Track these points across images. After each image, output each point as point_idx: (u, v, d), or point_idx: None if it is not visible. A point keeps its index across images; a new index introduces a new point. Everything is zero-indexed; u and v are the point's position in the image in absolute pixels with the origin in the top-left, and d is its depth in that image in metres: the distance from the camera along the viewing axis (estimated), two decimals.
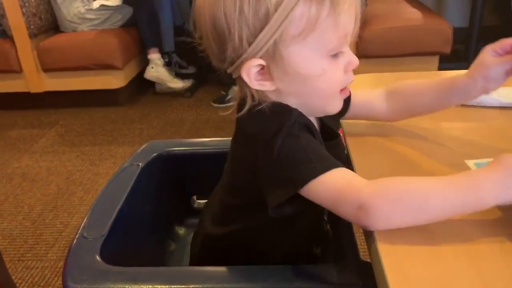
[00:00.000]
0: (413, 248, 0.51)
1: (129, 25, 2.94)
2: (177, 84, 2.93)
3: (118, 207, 0.74)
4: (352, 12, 0.58)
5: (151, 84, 3.00)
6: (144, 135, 2.51)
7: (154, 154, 0.90)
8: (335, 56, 0.59)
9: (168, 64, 2.97)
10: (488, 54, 0.66)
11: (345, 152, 0.73)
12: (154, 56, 2.91)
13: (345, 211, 0.54)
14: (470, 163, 0.64)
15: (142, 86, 3.03)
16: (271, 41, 0.56)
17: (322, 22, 0.55)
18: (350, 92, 0.73)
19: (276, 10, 0.54)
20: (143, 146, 0.94)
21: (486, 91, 0.68)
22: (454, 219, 0.54)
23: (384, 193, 0.53)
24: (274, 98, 0.62)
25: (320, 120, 0.69)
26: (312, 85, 0.60)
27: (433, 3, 3.26)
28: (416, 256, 0.50)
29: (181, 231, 0.96)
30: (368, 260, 0.56)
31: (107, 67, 2.74)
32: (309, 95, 0.62)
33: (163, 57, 2.93)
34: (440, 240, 0.52)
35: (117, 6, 2.88)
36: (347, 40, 0.59)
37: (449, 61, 2.77)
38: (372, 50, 2.58)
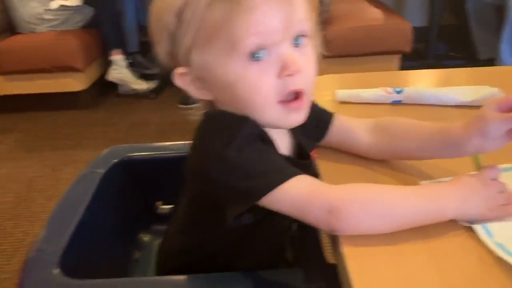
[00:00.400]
0: (376, 249, 0.52)
1: (90, 26, 2.87)
2: (141, 85, 2.88)
3: (78, 216, 0.72)
4: (269, 9, 0.52)
5: (114, 86, 2.93)
6: (108, 138, 2.45)
7: (115, 160, 0.88)
8: (255, 57, 0.54)
9: (131, 65, 2.92)
10: (491, 109, 0.57)
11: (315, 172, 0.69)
12: (117, 57, 2.85)
13: (315, 217, 0.52)
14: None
15: (105, 88, 2.96)
16: (185, 49, 0.55)
17: (230, 23, 0.52)
18: (332, 115, 0.70)
19: (183, 19, 0.54)
20: (104, 152, 0.92)
21: (481, 150, 0.58)
22: None
23: (353, 197, 0.52)
24: (221, 107, 0.60)
25: (295, 137, 0.66)
26: (235, 93, 0.56)
27: (393, 3, 3.33)
28: (380, 257, 0.51)
29: (146, 238, 0.94)
30: (334, 262, 0.56)
31: (68, 69, 2.67)
32: (240, 105, 0.57)
33: (126, 58, 2.88)
34: (403, 240, 0.53)
35: (77, 6, 2.81)
36: (274, 39, 0.53)
37: (410, 60, 2.84)
38: (336, 49, 2.61)
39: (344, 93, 0.93)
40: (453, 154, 0.62)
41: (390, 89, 0.90)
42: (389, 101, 0.89)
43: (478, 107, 0.85)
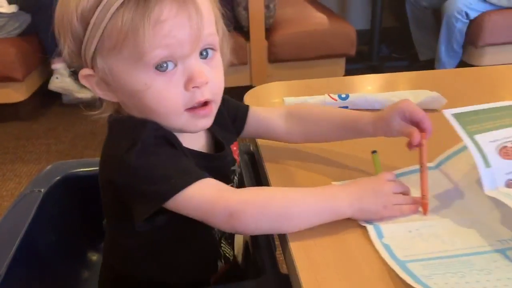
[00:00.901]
0: (329, 259, 0.52)
1: (28, 33, 2.73)
2: (86, 94, 2.77)
3: (17, 242, 0.67)
4: (179, 22, 0.53)
5: (57, 95, 2.81)
6: (52, 151, 2.35)
7: (58, 178, 0.83)
8: (162, 69, 0.54)
9: (74, 74, 2.81)
10: (397, 117, 0.65)
11: (236, 165, 0.71)
12: (59, 66, 2.73)
13: (218, 220, 0.55)
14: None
15: (47, 98, 2.83)
16: (90, 53, 0.55)
17: (136, 33, 0.52)
18: (247, 108, 0.74)
19: (87, 25, 0.54)
20: (45, 169, 0.87)
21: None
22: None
23: (252, 200, 0.55)
24: (127, 110, 0.60)
25: (211, 133, 0.68)
26: (141, 101, 0.56)
27: (337, 7, 3.42)
28: (332, 268, 0.51)
29: (94, 257, 0.90)
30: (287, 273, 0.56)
31: (6, 79, 2.52)
32: (146, 112, 0.57)
33: (68, 66, 2.76)
34: (354, 248, 0.54)
35: (12, 13, 2.66)
36: (181, 52, 0.54)
37: (354, 62, 2.92)
38: (283, 54, 2.65)
39: (292, 101, 0.94)
40: (360, 137, 0.72)
41: (335, 96, 0.92)
42: (336, 107, 0.91)
43: None
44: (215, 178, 0.62)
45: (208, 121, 0.60)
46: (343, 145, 0.76)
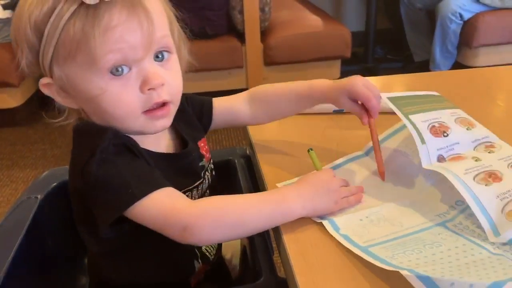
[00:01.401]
0: (326, 262, 0.53)
1: None
2: None
3: (14, 249, 0.67)
4: (132, 26, 0.54)
5: (53, 100, 2.80)
6: (48, 156, 2.34)
7: (54, 184, 0.83)
8: (117, 73, 0.56)
9: None
10: (344, 95, 0.70)
11: (205, 160, 0.73)
12: None
13: (172, 233, 0.56)
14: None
15: (42, 103, 2.81)
16: (47, 62, 0.56)
17: (87, 41, 0.53)
18: (211, 102, 0.76)
19: (41, 37, 0.55)
20: (42, 175, 0.87)
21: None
22: None
23: (204, 213, 0.55)
24: (89, 116, 0.62)
25: (175, 130, 0.69)
26: (98, 106, 0.57)
27: (331, 9, 3.43)
28: (329, 271, 0.51)
29: None
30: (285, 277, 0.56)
31: (1, 84, 2.52)
32: (105, 116, 0.58)
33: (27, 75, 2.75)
34: (351, 250, 0.54)
35: (7, 18, 2.66)
36: (135, 56, 0.55)
37: (349, 64, 2.93)
38: (278, 57, 2.65)
39: None
40: (318, 104, 0.77)
41: None
42: (331, 110, 0.91)
43: None
44: (183, 177, 0.65)
45: (166, 122, 0.61)
46: (339, 145, 0.76)
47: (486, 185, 0.58)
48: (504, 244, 0.52)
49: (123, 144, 0.59)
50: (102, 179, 0.56)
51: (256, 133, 0.85)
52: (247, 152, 0.90)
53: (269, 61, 2.67)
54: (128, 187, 0.55)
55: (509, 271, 0.47)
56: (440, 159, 0.64)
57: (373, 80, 1.19)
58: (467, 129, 0.68)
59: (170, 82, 0.59)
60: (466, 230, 0.56)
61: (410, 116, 0.67)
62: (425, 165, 0.63)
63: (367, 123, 0.69)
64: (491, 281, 0.44)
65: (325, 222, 0.59)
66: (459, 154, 0.65)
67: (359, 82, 0.69)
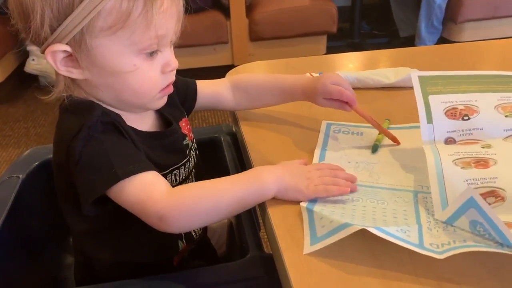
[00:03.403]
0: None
1: (2, 13, 2.64)
2: None
3: None
4: (172, 13, 0.57)
5: (34, 77, 2.74)
6: (31, 134, 2.30)
7: (36, 163, 0.82)
8: (150, 55, 0.58)
9: None
10: (320, 97, 0.74)
11: (188, 139, 0.73)
12: (35, 47, 2.65)
13: (149, 221, 0.56)
14: None
15: (23, 80, 2.76)
16: (77, 29, 0.54)
17: (133, 20, 0.53)
18: (196, 85, 0.78)
19: (82, 0, 0.52)
20: (23, 154, 0.85)
21: None
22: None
23: (180, 203, 0.55)
24: (86, 88, 0.60)
25: (158, 110, 0.69)
26: (123, 81, 0.58)
27: None
28: (316, 254, 0.51)
29: None
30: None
31: None
32: (121, 91, 0.60)
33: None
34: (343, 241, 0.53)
35: None
36: (166, 41, 0.59)
37: (335, 40, 2.91)
38: (264, 32, 2.62)
39: None
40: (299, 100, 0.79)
41: (316, 74, 0.91)
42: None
43: (400, 88, 0.90)
44: (170, 154, 0.65)
45: (166, 99, 0.65)
46: (327, 120, 0.76)
47: (462, 168, 0.58)
48: (442, 222, 0.53)
49: (111, 123, 0.58)
50: (86, 156, 0.55)
51: (241, 110, 0.84)
52: (233, 129, 0.90)
53: (255, 36, 2.64)
54: (112, 167, 0.54)
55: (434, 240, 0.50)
56: (449, 141, 0.64)
57: (358, 55, 1.19)
58: (508, 115, 0.65)
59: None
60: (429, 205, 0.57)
61: (430, 96, 0.66)
62: (424, 141, 0.64)
63: (351, 110, 0.74)
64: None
65: (303, 204, 0.58)
66: (475, 139, 0.63)
67: (327, 82, 0.73)
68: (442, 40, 2.85)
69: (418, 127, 0.65)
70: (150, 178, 0.57)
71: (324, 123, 0.79)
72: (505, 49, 1.15)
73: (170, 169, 0.66)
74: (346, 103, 0.73)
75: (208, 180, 0.58)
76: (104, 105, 0.60)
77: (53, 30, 0.54)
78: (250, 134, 0.77)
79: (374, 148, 0.71)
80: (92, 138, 0.56)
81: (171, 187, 0.58)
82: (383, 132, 0.73)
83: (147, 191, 0.55)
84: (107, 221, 0.63)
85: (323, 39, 2.76)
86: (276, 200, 0.59)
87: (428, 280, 0.47)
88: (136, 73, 0.58)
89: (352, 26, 3.14)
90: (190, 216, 0.56)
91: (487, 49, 1.17)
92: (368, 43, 3.09)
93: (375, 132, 0.75)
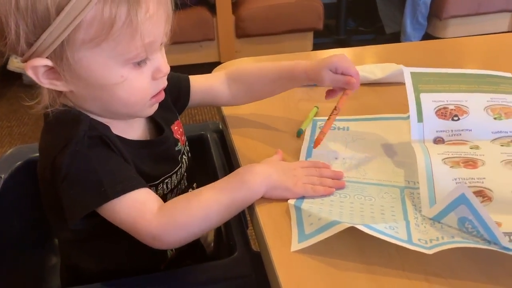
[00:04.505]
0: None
1: None
2: None
3: None
4: (160, 17, 0.54)
5: (17, 75, 2.69)
6: (15, 133, 2.26)
7: (19, 163, 0.80)
8: (139, 64, 0.55)
9: None
10: (328, 70, 0.69)
11: (181, 144, 0.71)
12: None
13: (141, 240, 0.55)
14: None
15: (6, 79, 2.71)
16: (56, 43, 0.50)
17: (117, 30, 0.50)
18: (189, 81, 0.74)
19: (58, 12, 0.48)
20: (6, 153, 0.83)
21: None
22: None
23: (172, 221, 0.54)
24: (72, 99, 0.58)
25: (150, 116, 0.65)
26: (111, 93, 0.55)
27: None
28: (304, 251, 0.51)
29: None
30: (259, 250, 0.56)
31: None
32: (110, 103, 0.57)
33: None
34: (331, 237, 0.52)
35: None
36: (155, 47, 0.55)
37: (322, 36, 2.92)
38: (250, 29, 2.61)
39: None
40: (297, 85, 0.77)
41: None
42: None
43: (386, 84, 0.90)
44: (162, 163, 0.63)
45: (157, 106, 0.62)
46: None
47: (451, 167, 0.58)
48: (430, 218, 0.54)
49: (99, 137, 0.56)
50: (74, 173, 0.53)
51: (228, 107, 0.83)
52: (220, 126, 0.89)
53: (241, 33, 2.63)
54: (101, 185, 0.53)
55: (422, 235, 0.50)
56: (438, 141, 0.64)
57: (345, 52, 1.19)
58: (496, 118, 0.65)
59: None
60: (416, 201, 0.57)
61: (422, 94, 0.66)
62: (413, 140, 0.64)
63: (353, 91, 0.70)
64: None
65: (291, 201, 0.58)
66: (463, 140, 0.64)
67: (343, 57, 0.70)
68: (427, 36, 2.88)
69: (404, 118, 0.65)
70: (141, 196, 0.55)
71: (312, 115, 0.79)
72: (488, 46, 1.16)
73: (161, 178, 0.64)
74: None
75: (196, 192, 0.57)
76: (92, 115, 0.58)
77: (30, 45, 0.51)
78: (237, 132, 0.76)
79: (298, 133, 0.73)
80: (79, 154, 0.53)
81: (162, 202, 0.56)
82: (327, 124, 0.68)
83: (138, 211, 0.54)
84: (93, 231, 0.61)
85: (310, 35, 2.76)
86: (264, 198, 0.58)
87: (415, 274, 0.47)
88: (124, 84, 0.55)
89: (338, 23, 3.15)
90: (183, 233, 0.55)
91: (471, 45, 1.18)
92: (354, 40, 3.10)
93: (362, 126, 0.75)
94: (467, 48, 1.16)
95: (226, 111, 0.83)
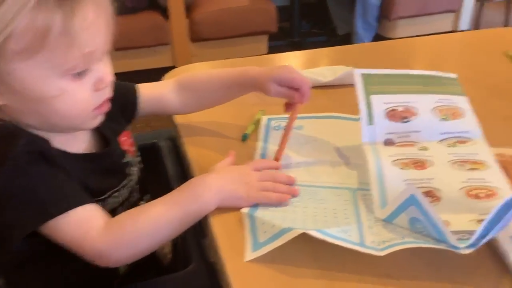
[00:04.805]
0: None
1: None
2: None
3: None
4: (99, 25, 0.51)
5: None
6: None
7: None
8: (78, 74, 0.52)
9: None
10: (273, 83, 0.68)
11: (129, 155, 0.69)
12: None
13: (87, 259, 0.53)
14: None
15: None
16: None
17: (52, 41, 0.47)
18: (136, 90, 0.72)
19: None
20: None
21: None
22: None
23: (119, 238, 0.53)
24: (8, 113, 0.54)
25: (96, 128, 0.62)
26: (49, 106, 0.52)
27: None
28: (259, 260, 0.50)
29: None
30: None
31: None
32: (48, 116, 0.54)
33: None
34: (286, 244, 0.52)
35: None
36: (96, 57, 0.53)
37: (277, 39, 2.93)
38: (205, 32, 2.59)
39: None
40: (247, 92, 0.75)
41: None
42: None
43: (337, 86, 0.91)
44: (108, 177, 0.61)
45: (101, 117, 0.60)
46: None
47: (401, 168, 0.59)
48: (382, 220, 0.54)
49: (39, 152, 0.53)
50: (12, 192, 0.50)
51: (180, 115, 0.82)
52: (173, 133, 0.87)
53: (196, 37, 2.60)
54: (42, 203, 0.50)
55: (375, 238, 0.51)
56: (388, 142, 0.65)
57: (298, 55, 1.20)
58: (443, 119, 0.67)
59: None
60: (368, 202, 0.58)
61: (372, 96, 0.67)
62: (364, 142, 0.64)
63: (293, 108, 0.70)
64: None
65: (245, 209, 0.57)
66: (412, 141, 0.65)
67: (290, 69, 0.69)
68: (378, 37, 2.95)
69: (356, 119, 0.66)
70: (85, 213, 0.53)
71: (264, 118, 0.78)
72: (435, 45, 1.20)
73: (108, 193, 0.62)
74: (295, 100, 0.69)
75: (146, 206, 0.55)
76: (30, 129, 0.55)
77: None
78: (190, 139, 0.75)
79: (244, 137, 0.73)
80: (18, 171, 0.50)
81: (109, 218, 0.54)
82: (283, 140, 0.68)
83: (83, 229, 0.52)
84: (36, 252, 0.58)
85: (264, 38, 2.77)
86: (218, 208, 0.57)
87: (370, 277, 0.48)
88: (63, 97, 0.52)
89: (292, 26, 3.18)
90: (131, 250, 0.53)
91: (419, 45, 1.22)
92: (308, 42, 3.14)
93: (315, 124, 0.76)
94: (416, 48, 1.20)
95: (179, 119, 0.81)
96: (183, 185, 0.58)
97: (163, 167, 0.81)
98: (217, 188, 0.57)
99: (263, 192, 0.58)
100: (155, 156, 0.84)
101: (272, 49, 2.80)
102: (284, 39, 3.12)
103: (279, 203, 0.57)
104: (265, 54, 2.75)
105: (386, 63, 1.04)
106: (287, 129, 0.69)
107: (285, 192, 0.59)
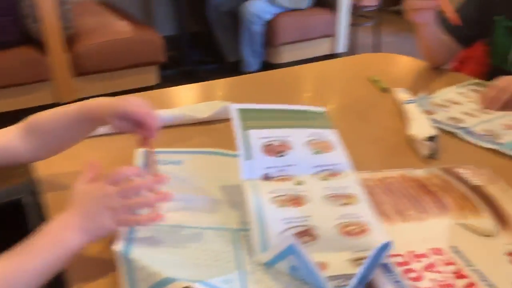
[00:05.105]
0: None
1: None
2: None
3: None
4: None
5: None
6: None
7: None
8: None
9: None
10: (114, 117, 0.62)
11: None
12: None
13: None
14: None
15: None
16: None
17: None
18: None
19: None
20: None
21: None
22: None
23: None
24: None
25: None
26: None
27: (141, 15, 3.33)
28: None
29: None
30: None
31: None
32: None
33: None
34: None
35: None
36: None
37: (168, 68, 2.90)
38: (88, 66, 2.47)
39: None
40: (97, 127, 0.69)
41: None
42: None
43: (216, 121, 0.90)
44: None
45: None
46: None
47: (279, 206, 0.59)
48: (263, 264, 0.54)
49: None
50: None
51: (41, 163, 0.73)
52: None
53: (80, 71, 2.47)
54: None
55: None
56: (267, 177, 0.64)
57: (191, 87, 1.18)
58: (315, 153, 0.68)
59: None
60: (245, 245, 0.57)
61: (250, 131, 0.67)
62: (244, 178, 0.63)
63: (146, 143, 0.64)
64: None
65: (119, 246, 0.52)
66: (289, 175, 0.65)
67: (132, 102, 0.62)
68: (265, 63, 3.06)
69: (236, 155, 0.65)
70: None
71: (140, 151, 0.71)
72: (318, 70, 1.28)
73: None
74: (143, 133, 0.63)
75: (2, 262, 0.48)
76: None
77: None
78: (52, 195, 0.68)
79: None
80: None
81: None
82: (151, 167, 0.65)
83: None
84: None
85: (153, 69, 2.72)
86: (82, 264, 0.53)
87: None
88: None
89: (182, 55, 3.17)
90: None
91: (300, 73, 1.28)
92: (200, 70, 3.15)
93: (195, 161, 0.74)
94: (302, 74, 1.26)
95: (39, 168, 0.73)
96: (39, 231, 0.51)
97: (30, 228, 0.72)
98: (79, 223, 0.51)
99: (131, 217, 0.53)
100: (18, 215, 0.75)
101: (165, 79, 2.76)
102: (176, 68, 3.10)
103: (151, 223, 0.54)
104: (157, 83, 2.70)
105: (277, 91, 1.09)
106: (150, 164, 0.65)
107: (154, 201, 0.55)
